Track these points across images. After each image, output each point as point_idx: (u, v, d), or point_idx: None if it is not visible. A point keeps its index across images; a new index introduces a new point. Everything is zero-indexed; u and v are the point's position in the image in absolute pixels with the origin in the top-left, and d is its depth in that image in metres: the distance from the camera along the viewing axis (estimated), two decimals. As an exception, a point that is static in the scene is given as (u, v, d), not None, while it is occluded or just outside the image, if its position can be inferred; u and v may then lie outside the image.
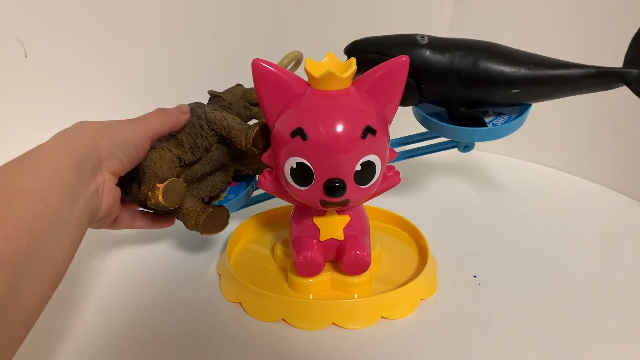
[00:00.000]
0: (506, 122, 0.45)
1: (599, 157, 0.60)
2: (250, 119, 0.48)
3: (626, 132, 0.57)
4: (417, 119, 0.47)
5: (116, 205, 0.36)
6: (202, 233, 0.41)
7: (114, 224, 0.39)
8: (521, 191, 0.59)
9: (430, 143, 0.51)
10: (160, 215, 0.42)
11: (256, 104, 0.48)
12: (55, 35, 0.59)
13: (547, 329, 0.39)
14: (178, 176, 0.40)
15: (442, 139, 0.50)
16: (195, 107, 0.43)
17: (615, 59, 0.55)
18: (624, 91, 0.55)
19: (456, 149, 0.49)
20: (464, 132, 0.44)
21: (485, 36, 0.62)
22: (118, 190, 0.36)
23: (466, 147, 0.48)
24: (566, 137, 0.62)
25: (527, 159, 0.66)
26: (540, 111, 0.62)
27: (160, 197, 0.36)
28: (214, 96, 0.47)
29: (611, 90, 0.56)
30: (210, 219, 0.40)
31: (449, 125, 0.45)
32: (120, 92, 0.65)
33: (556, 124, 0.62)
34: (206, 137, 0.42)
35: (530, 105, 0.46)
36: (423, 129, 0.49)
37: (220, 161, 0.44)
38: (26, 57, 0.59)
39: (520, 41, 0.60)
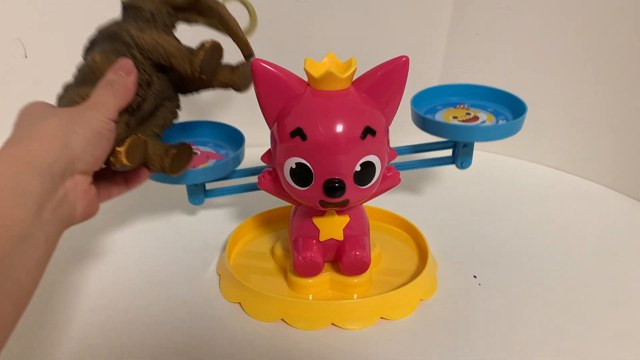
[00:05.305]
0: (505, 123, 0.46)
1: (599, 157, 0.60)
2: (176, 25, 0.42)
3: (626, 132, 0.57)
4: (414, 121, 0.48)
5: (94, 205, 0.33)
6: (169, 174, 0.39)
7: None
8: (521, 191, 0.59)
9: (427, 157, 0.51)
10: (130, 174, 0.39)
11: (181, 9, 0.41)
12: (55, 35, 0.59)
13: (547, 328, 0.39)
14: (129, 124, 0.36)
15: (439, 154, 0.51)
16: (116, 31, 0.37)
17: (614, 58, 0.55)
18: (624, 91, 0.55)
19: (454, 165, 0.50)
20: (463, 130, 0.44)
21: (485, 36, 0.62)
22: (93, 189, 0.33)
23: (463, 163, 0.49)
24: (566, 137, 0.62)
25: (527, 159, 0.66)
26: (541, 111, 0.62)
27: (124, 160, 0.34)
28: (130, 7, 0.38)
29: (611, 91, 0.56)
30: (176, 160, 0.38)
31: (448, 123, 0.45)
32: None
33: (556, 124, 0.62)
34: (144, 70, 0.37)
35: (526, 109, 0.46)
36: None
37: (165, 91, 0.39)
38: (26, 57, 0.59)
39: (520, 41, 0.60)
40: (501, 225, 0.53)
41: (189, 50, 0.36)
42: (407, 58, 0.35)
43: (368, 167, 0.35)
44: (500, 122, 0.47)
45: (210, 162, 0.47)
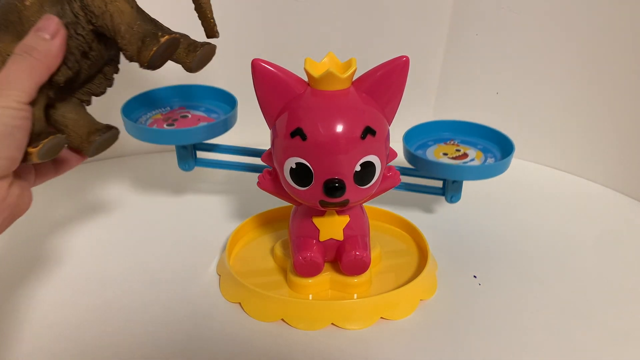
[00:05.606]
0: (494, 162, 0.48)
1: (599, 157, 0.60)
2: None
3: (626, 132, 0.57)
4: (405, 157, 0.48)
5: (21, 204, 0.29)
6: (84, 155, 0.34)
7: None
8: (521, 191, 0.59)
9: (419, 182, 0.51)
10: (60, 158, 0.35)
11: None
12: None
13: (547, 329, 0.39)
14: (51, 98, 0.30)
15: (430, 183, 0.51)
16: None
17: (615, 58, 0.55)
18: (624, 91, 0.55)
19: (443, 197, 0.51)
20: (451, 169, 0.45)
21: (485, 36, 0.62)
22: (16, 190, 0.28)
23: (453, 197, 0.50)
24: (566, 137, 0.62)
25: (528, 159, 0.66)
26: (541, 111, 0.62)
27: (36, 159, 0.29)
28: None
29: (611, 91, 0.56)
30: (96, 146, 0.33)
31: (439, 161, 0.47)
32: (120, 89, 0.65)
33: (556, 124, 0.62)
34: (82, 37, 0.29)
35: (514, 149, 0.47)
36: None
37: (103, 59, 0.32)
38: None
39: (520, 41, 0.60)
40: (501, 225, 0.53)
41: (142, 34, 0.29)
42: (407, 58, 0.35)
43: (368, 167, 0.35)
44: (489, 160, 0.48)
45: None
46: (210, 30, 0.35)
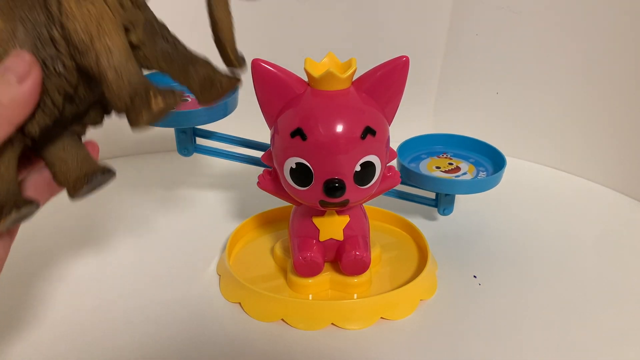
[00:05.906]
0: (487, 176, 0.48)
1: (599, 157, 0.60)
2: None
3: (626, 131, 0.57)
4: (398, 170, 0.48)
5: None
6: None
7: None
8: (521, 191, 0.59)
9: (411, 192, 0.51)
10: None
11: None
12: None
13: (547, 329, 0.39)
14: (32, 143, 0.25)
15: (423, 193, 0.51)
16: None
17: (615, 58, 0.55)
18: (624, 91, 0.55)
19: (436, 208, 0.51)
20: (444, 183, 0.46)
21: (485, 36, 0.62)
22: None
23: (445, 210, 0.50)
24: (566, 137, 0.62)
25: (527, 159, 0.66)
26: (541, 111, 0.62)
27: (2, 230, 0.24)
28: None
29: (612, 91, 0.56)
30: (86, 193, 0.28)
31: (431, 175, 0.47)
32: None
33: (556, 124, 0.62)
34: (65, 77, 0.23)
35: (505, 164, 0.48)
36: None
37: (95, 97, 0.26)
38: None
39: (520, 41, 0.60)
40: (501, 225, 0.53)
41: (133, 89, 0.22)
42: (407, 58, 0.35)
43: (368, 167, 0.35)
44: (481, 174, 0.49)
45: None
46: (226, 57, 0.28)
